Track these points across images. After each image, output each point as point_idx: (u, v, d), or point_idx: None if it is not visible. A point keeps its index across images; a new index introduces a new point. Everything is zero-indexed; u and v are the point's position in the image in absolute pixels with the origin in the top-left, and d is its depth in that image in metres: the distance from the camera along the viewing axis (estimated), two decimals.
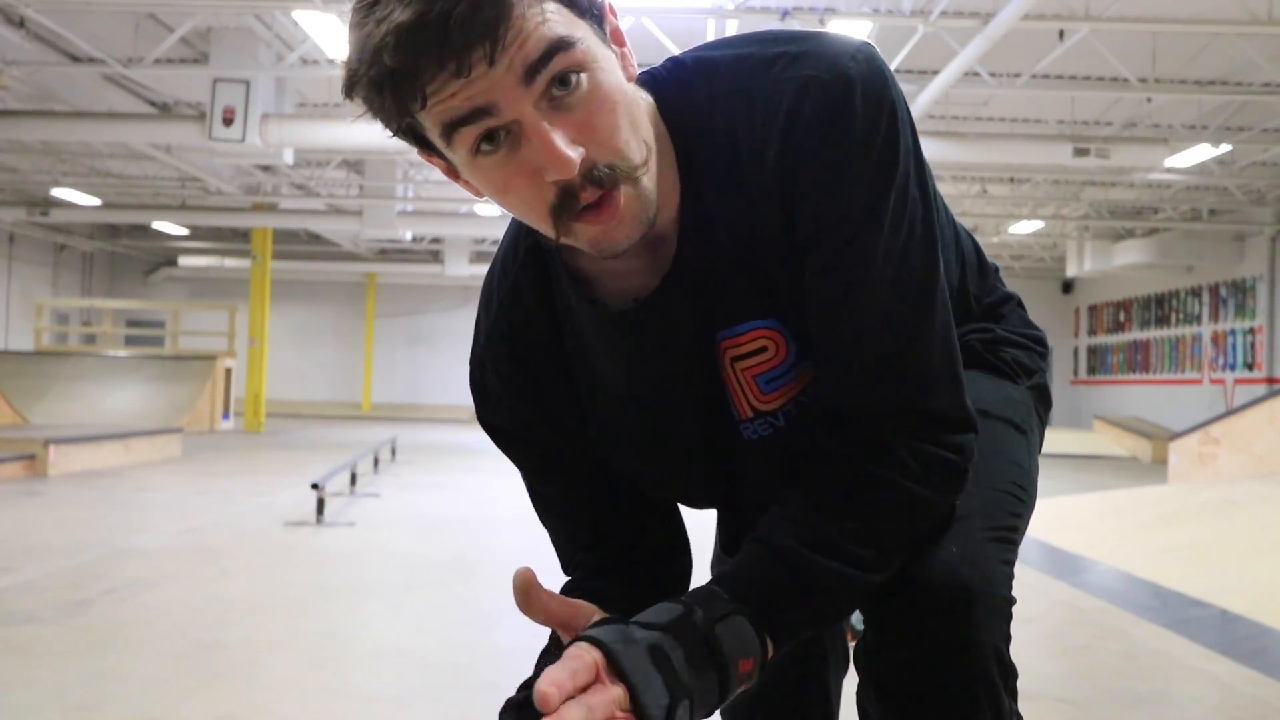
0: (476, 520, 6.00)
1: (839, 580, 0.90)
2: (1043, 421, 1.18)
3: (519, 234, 1.05)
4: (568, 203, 0.84)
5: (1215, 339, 16.61)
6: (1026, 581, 4.20)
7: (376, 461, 9.17)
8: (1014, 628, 0.95)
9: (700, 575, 1.12)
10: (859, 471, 0.92)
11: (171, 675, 2.63)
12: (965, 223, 13.53)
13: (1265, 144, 11.38)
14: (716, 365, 0.99)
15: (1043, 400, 1.18)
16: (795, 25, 7.54)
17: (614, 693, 0.79)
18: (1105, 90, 9.76)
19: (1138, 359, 19.17)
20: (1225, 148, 10.86)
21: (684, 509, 1.18)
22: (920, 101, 8.95)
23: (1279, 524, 4.83)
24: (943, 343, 0.93)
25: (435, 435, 15.29)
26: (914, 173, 0.91)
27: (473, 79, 0.79)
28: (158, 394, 14.13)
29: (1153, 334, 18.67)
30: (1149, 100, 10.06)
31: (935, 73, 8.73)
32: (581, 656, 0.80)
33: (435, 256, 21.51)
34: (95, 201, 15.46)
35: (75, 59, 9.77)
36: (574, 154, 0.82)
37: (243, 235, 19.85)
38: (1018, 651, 0.95)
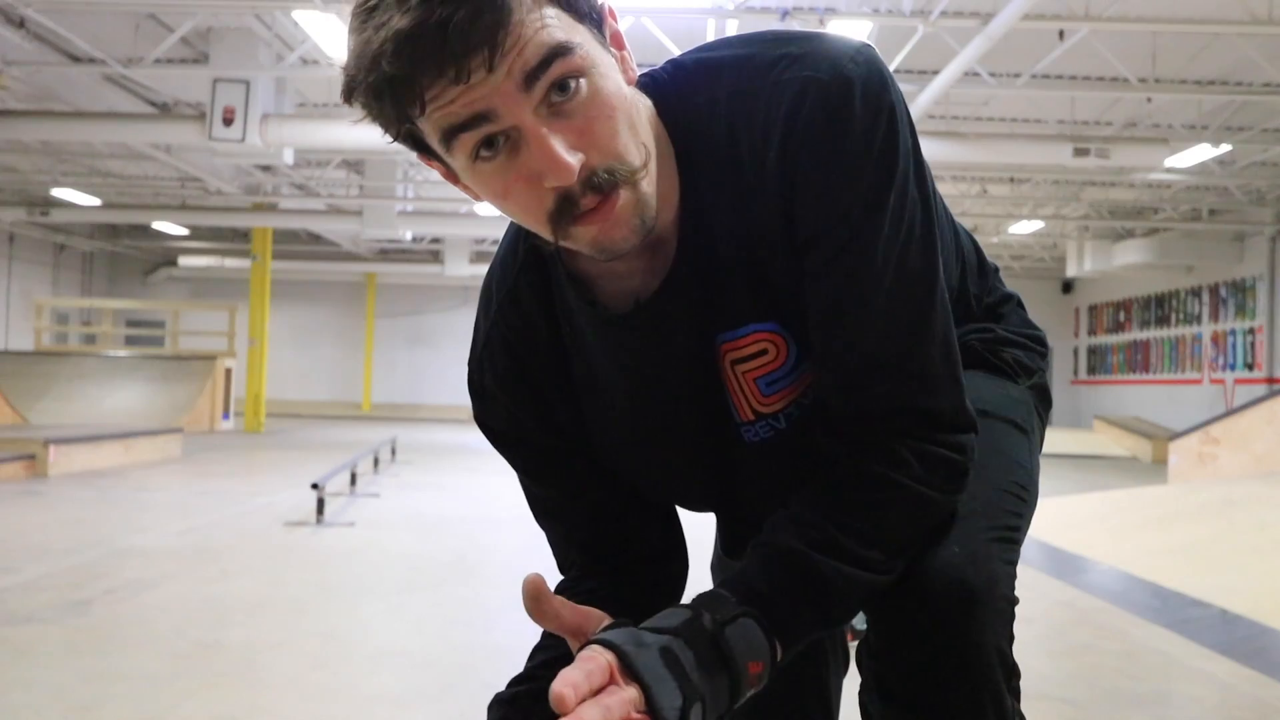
0: (476, 520, 5.99)
1: (845, 582, 0.90)
2: (1043, 421, 1.18)
3: (518, 235, 1.05)
4: (567, 208, 0.85)
5: (1215, 339, 16.61)
6: (1026, 581, 4.19)
7: (376, 461, 9.17)
8: (1014, 627, 0.95)
9: (700, 576, 1.12)
10: (861, 472, 0.92)
11: (171, 675, 2.63)
12: (965, 223, 13.53)
13: (1265, 144, 11.38)
14: (717, 368, 0.99)
15: (1043, 400, 1.18)
16: (795, 25, 7.54)
17: (629, 693, 0.79)
18: (1105, 90, 9.76)
19: (1138, 359, 19.17)
20: (1225, 148, 10.86)
21: (682, 512, 1.18)
22: (920, 101, 8.95)
23: (1279, 524, 4.83)
24: (943, 343, 0.93)
25: (435, 435, 15.29)
26: (913, 174, 0.91)
27: (472, 85, 0.79)
28: (158, 394, 14.14)
29: (1153, 334, 18.67)
30: (1149, 100, 10.06)
31: (935, 73, 8.73)
32: (595, 659, 0.80)
33: (435, 256, 21.51)
34: (95, 201, 15.45)
35: (75, 59, 9.77)
36: (573, 160, 0.82)
37: (243, 235, 19.86)
38: (1018, 651, 0.95)
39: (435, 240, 19.97)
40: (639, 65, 0.93)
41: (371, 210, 15.46)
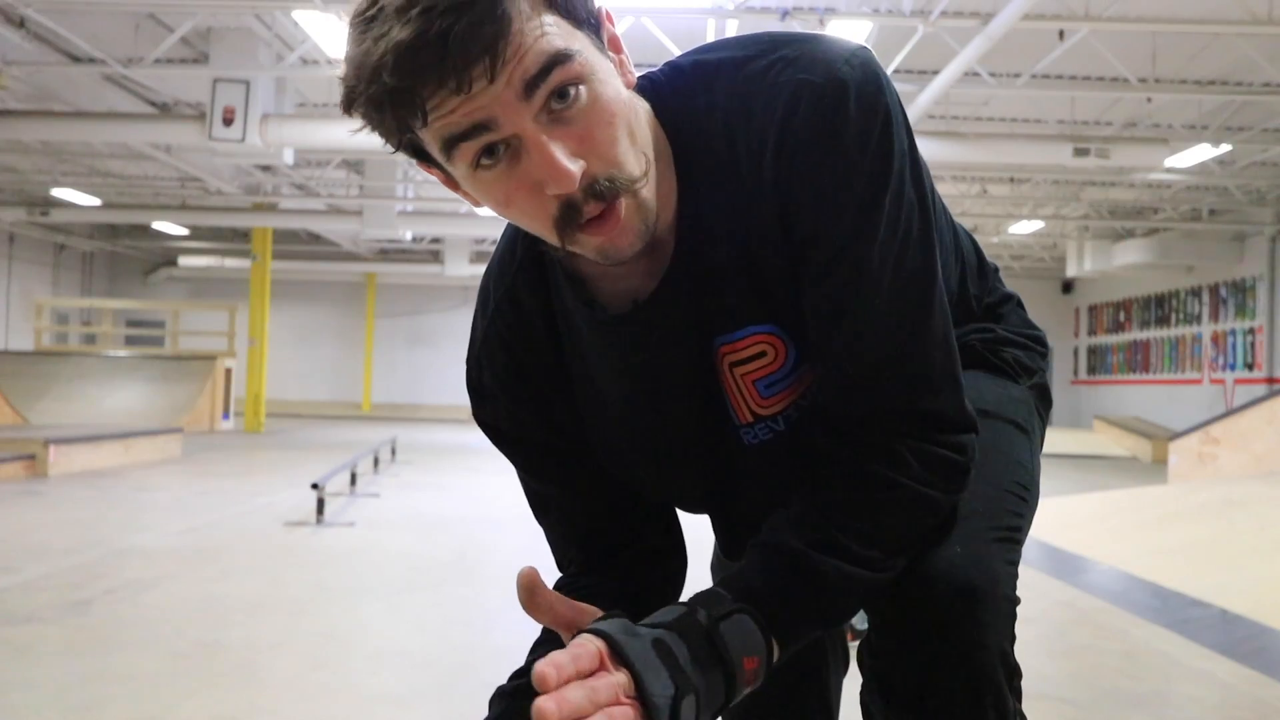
0: (476, 520, 5.99)
1: (843, 580, 0.90)
2: (1044, 421, 1.18)
3: (516, 235, 1.05)
4: (571, 215, 0.85)
5: (1215, 339, 16.61)
6: (1026, 581, 4.19)
7: (376, 461, 9.17)
8: (1015, 627, 0.95)
9: (699, 576, 1.12)
10: (861, 472, 0.92)
11: (171, 675, 2.63)
12: (965, 223, 13.47)
13: (1265, 144, 11.38)
14: (715, 370, 0.99)
15: (1043, 400, 1.18)
16: (795, 25, 7.54)
17: (618, 678, 0.79)
18: (1105, 90, 9.76)
19: (1138, 359, 19.17)
20: (1225, 148, 10.86)
21: (681, 512, 1.18)
22: (920, 101, 8.95)
23: (1279, 524, 4.83)
24: (941, 343, 0.93)
25: (435, 435, 15.30)
26: (910, 176, 0.91)
27: (473, 95, 0.79)
28: (158, 394, 14.14)
29: (1153, 334, 18.67)
30: (1149, 100, 10.06)
31: (935, 73, 8.73)
32: (585, 645, 0.80)
33: (435, 256, 21.51)
34: (95, 201, 15.46)
35: (75, 59, 9.77)
36: (575, 168, 0.82)
37: (243, 235, 19.86)
38: (1018, 651, 0.95)
39: (435, 240, 19.97)
40: (639, 65, 0.93)
41: (371, 210, 15.46)
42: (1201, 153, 10.82)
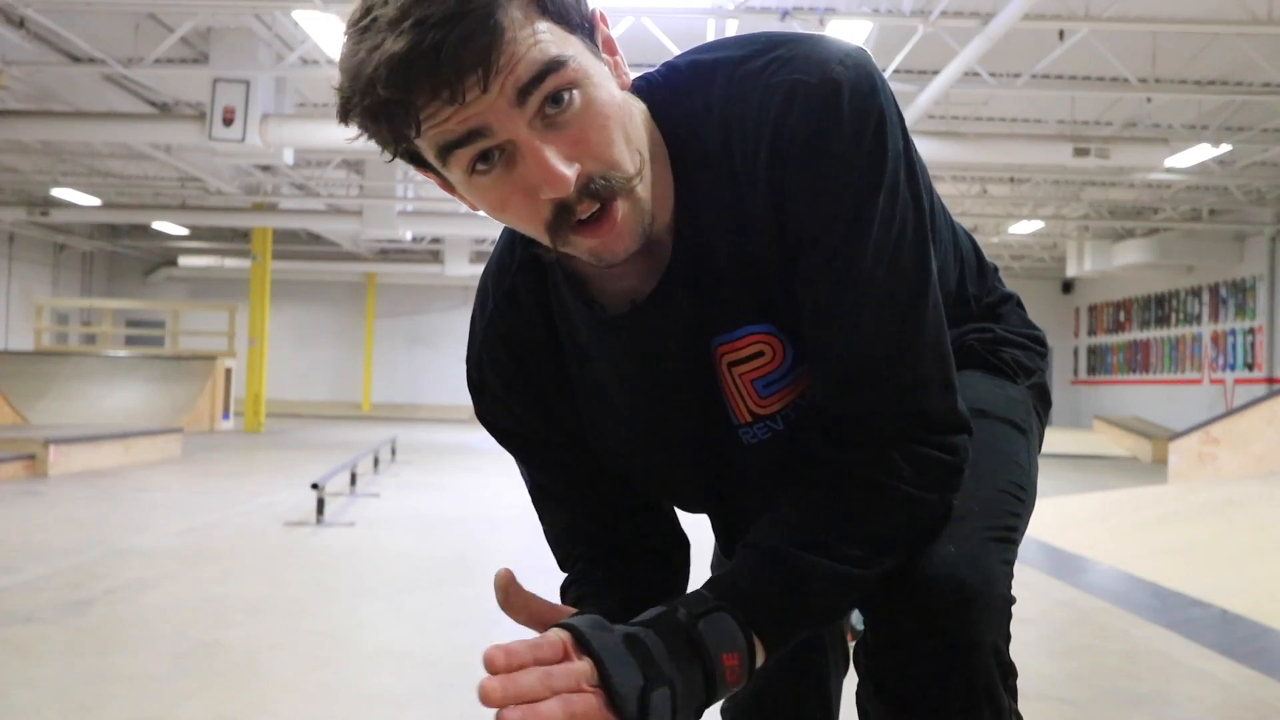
0: (476, 520, 5.99)
1: (827, 577, 0.90)
2: (1042, 421, 1.18)
3: (516, 235, 1.05)
4: (563, 216, 0.86)
5: (1215, 339, 16.61)
6: (1026, 581, 4.20)
7: (376, 461, 9.17)
8: (1014, 628, 0.95)
9: (700, 576, 1.12)
10: (849, 474, 0.93)
11: (171, 675, 2.63)
12: (965, 223, 13.41)
13: (1265, 144, 11.38)
14: (713, 370, 1.00)
15: (1042, 400, 1.18)
16: (795, 25, 7.54)
17: (579, 666, 0.80)
18: (1105, 90, 9.75)
19: (1138, 359, 19.17)
20: (1225, 148, 10.86)
21: (682, 513, 1.18)
22: (920, 101, 8.95)
23: (1279, 524, 4.83)
24: (934, 345, 0.93)
25: (435, 435, 15.30)
26: (904, 176, 0.91)
27: (466, 104, 0.80)
28: (158, 394, 14.14)
29: (1153, 334, 18.67)
30: (1149, 100, 10.05)
31: (935, 73, 8.73)
32: (548, 636, 0.81)
33: (435, 256, 21.51)
34: (95, 201, 15.46)
35: (75, 59, 9.77)
36: (569, 172, 0.83)
37: (243, 235, 19.85)
38: (1018, 651, 0.95)
39: (435, 240, 19.97)
40: (639, 65, 0.93)
41: (371, 210, 15.46)
42: (1201, 153, 10.82)
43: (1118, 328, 20.07)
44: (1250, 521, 5.04)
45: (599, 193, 0.85)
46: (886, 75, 9.39)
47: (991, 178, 13.95)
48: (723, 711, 1.42)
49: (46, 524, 5.31)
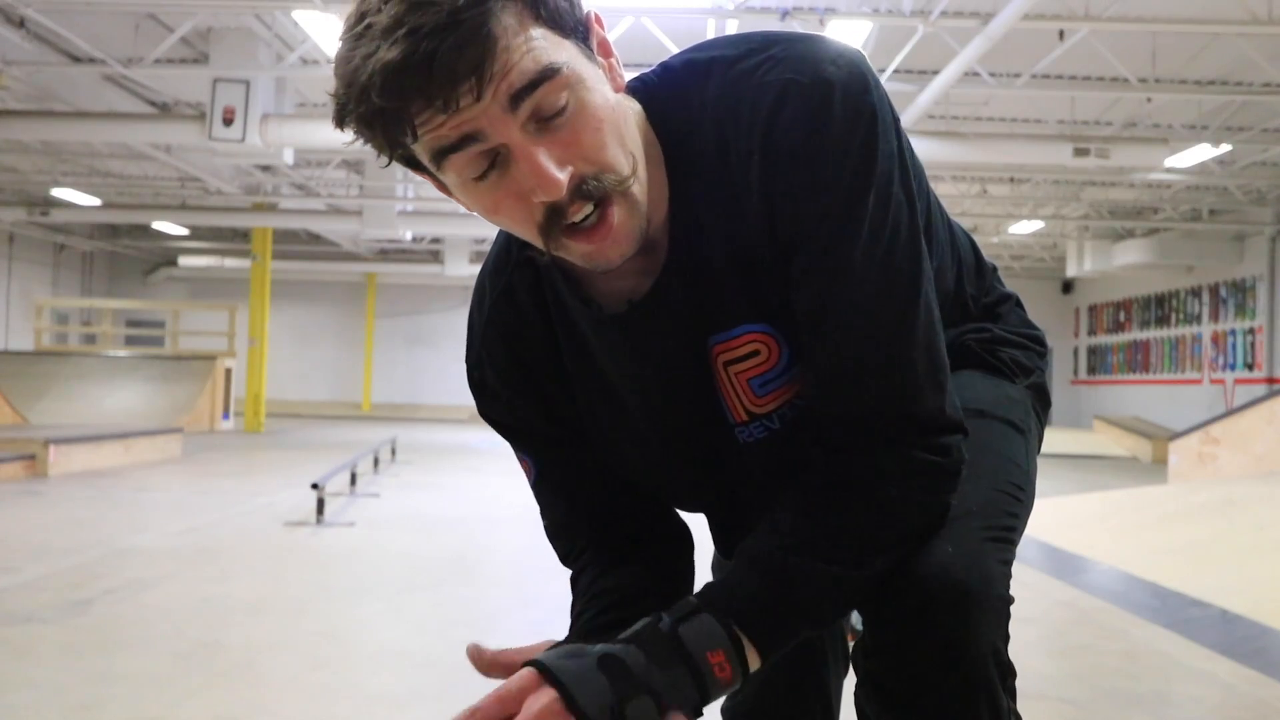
0: (476, 520, 6.00)
1: (817, 579, 0.91)
2: (1041, 421, 1.18)
3: (512, 234, 1.05)
4: (555, 219, 0.86)
5: (1215, 339, 16.61)
6: (1026, 581, 4.20)
7: (376, 461, 9.17)
8: (1014, 628, 0.95)
9: (701, 577, 1.12)
10: (841, 477, 0.93)
11: (171, 675, 2.63)
12: (965, 223, 13.37)
13: (1265, 144, 11.38)
14: (709, 369, 1.00)
15: (1041, 399, 1.18)
16: (795, 25, 7.54)
17: (543, 698, 0.83)
18: (1105, 90, 9.75)
19: (1138, 359, 19.17)
20: (1225, 148, 10.86)
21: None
22: (920, 101, 8.95)
23: (1279, 524, 4.83)
24: (926, 347, 0.93)
25: (435, 435, 15.30)
26: (898, 176, 0.91)
27: (459, 110, 0.80)
28: (158, 394, 14.13)
29: (1153, 334, 18.67)
30: (1149, 100, 10.05)
31: (935, 73, 8.73)
32: (515, 678, 0.86)
33: (435, 256, 21.51)
34: (95, 201, 15.46)
35: (75, 59, 9.77)
36: (562, 175, 0.83)
37: (243, 235, 19.86)
38: (1018, 651, 0.95)
39: (435, 240, 19.97)
40: (639, 65, 0.93)
41: (371, 210, 15.46)
42: (1201, 153, 10.82)
43: (1118, 328, 20.07)
44: (1250, 521, 5.03)
45: (591, 194, 0.85)
46: (886, 75, 9.37)
47: (991, 178, 13.95)
48: (723, 712, 1.42)
49: (46, 524, 5.31)
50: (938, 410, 0.94)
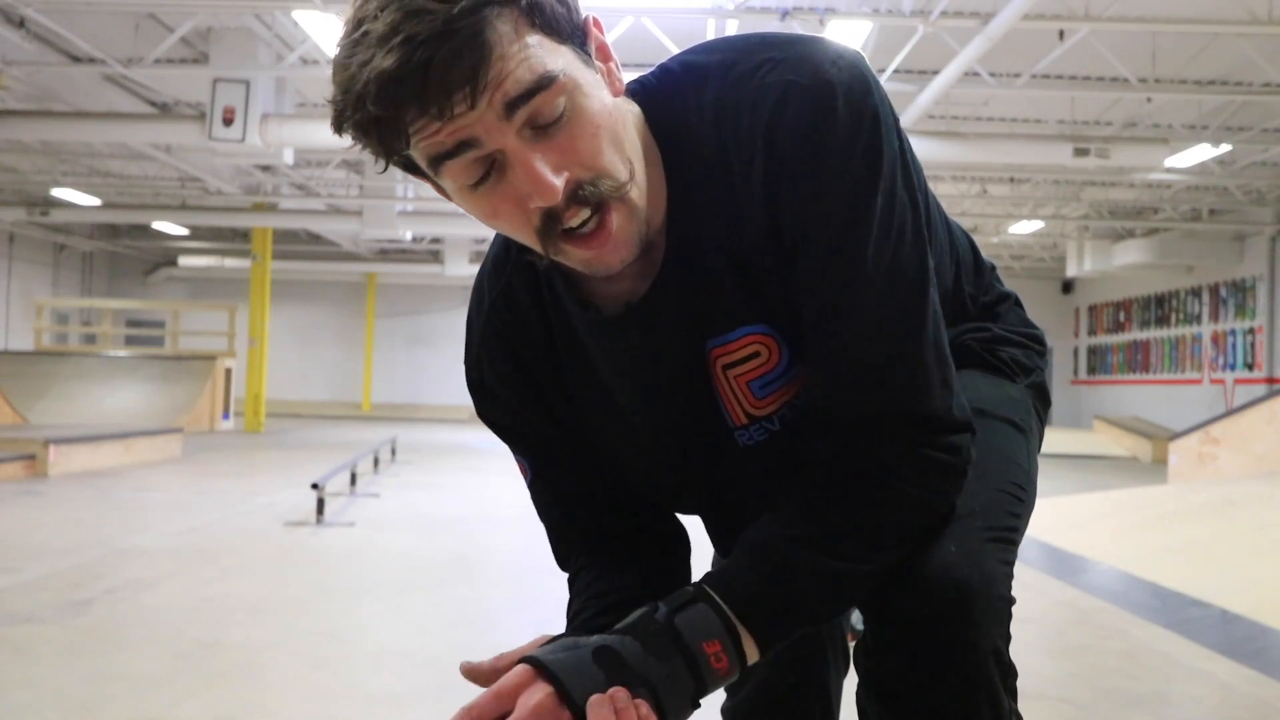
0: (476, 520, 5.99)
1: (818, 572, 0.91)
2: (1042, 420, 1.18)
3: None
4: (551, 225, 0.86)
5: (1215, 339, 16.61)
6: (1026, 581, 4.20)
7: (376, 461, 9.17)
8: (1014, 628, 0.95)
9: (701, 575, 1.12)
10: (849, 475, 0.93)
11: (171, 675, 2.63)
12: (965, 223, 13.34)
13: (1265, 144, 11.38)
14: (708, 373, 1.00)
15: (1041, 399, 1.18)
16: (795, 25, 7.54)
17: (537, 694, 0.84)
18: (1105, 90, 9.75)
19: (1138, 359, 19.17)
20: (1225, 148, 10.86)
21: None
22: (920, 101, 8.95)
23: (1279, 524, 4.83)
24: (934, 346, 0.93)
25: (435, 435, 15.30)
26: (901, 177, 0.91)
27: (455, 118, 0.81)
28: (158, 394, 14.13)
29: (1153, 334, 18.67)
30: (1149, 100, 10.05)
31: (935, 73, 8.73)
32: (510, 675, 0.87)
33: (435, 256, 21.51)
34: (95, 201, 15.46)
35: (75, 59, 9.77)
36: (558, 181, 0.83)
37: (243, 235, 19.86)
38: (1018, 651, 0.95)
39: (435, 240, 19.97)
40: (640, 66, 0.93)
41: (371, 210, 15.46)
42: (1201, 153, 10.82)
43: (1118, 328, 20.07)
44: (1250, 521, 5.04)
45: (587, 199, 0.86)
46: (887, 75, 9.35)
47: (991, 178, 13.95)
48: (723, 711, 1.42)
49: (46, 524, 5.31)
50: (946, 409, 0.94)
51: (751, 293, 0.95)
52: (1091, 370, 21.15)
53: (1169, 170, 11.60)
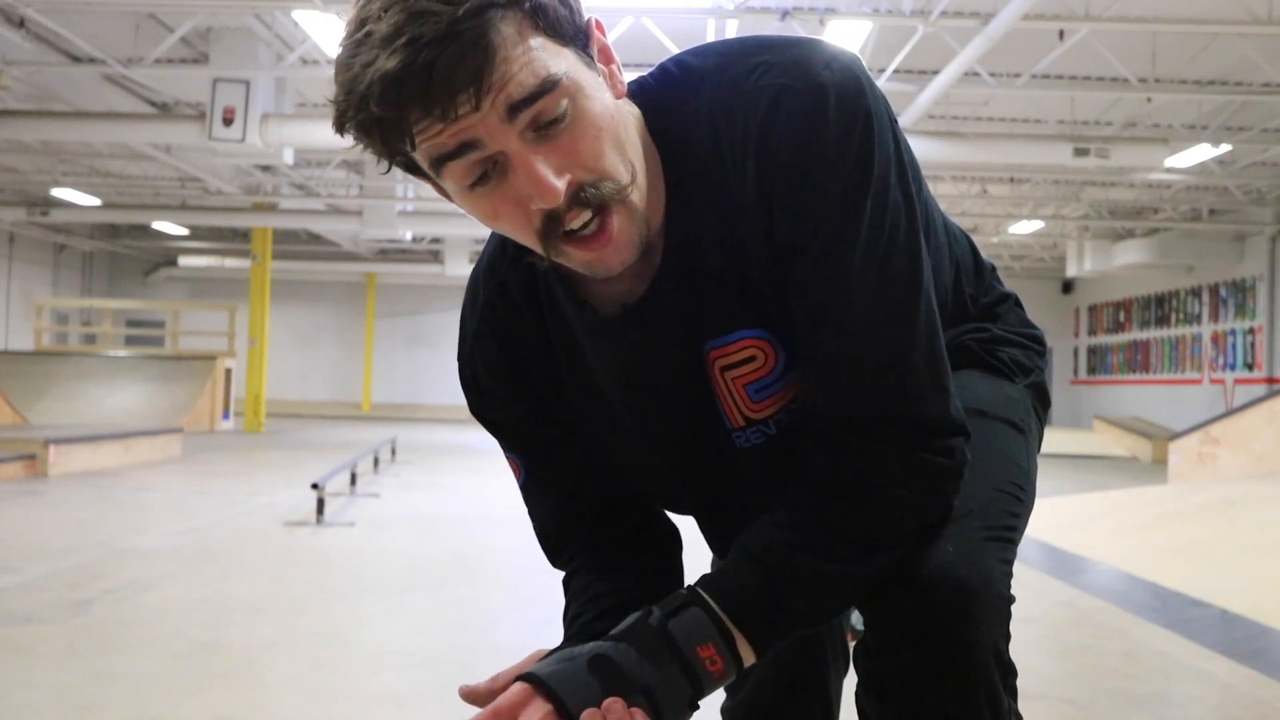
0: (475, 520, 5.99)
1: (814, 574, 0.91)
2: (1041, 420, 1.18)
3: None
4: (552, 227, 0.87)
5: (1215, 339, 16.61)
6: (1026, 581, 4.20)
7: (376, 461, 9.17)
8: (1014, 628, 0.95)
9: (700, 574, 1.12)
10: (844, 478, 0.93)
11: (171, 675, 2.63)
12: (965, 223, 13.36)
13: (1265, 144, 11.37)
14: (706, 374, 1.00)
15: (1041, 399, 1.18)
16: (795, 25, 7.53)
17: (537, 713, 0.85)
18: (1105, 90, 9.75)
19: (1138, 359, 19.17)
20: (1225, 148, 10.86)
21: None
22: (920, 101, 8.95)
23: (1279, 524, 4.83)
24: (927, 350, 0.93)
25: (435, 435, 15.29)
26: (895, 179, 0.91)
27: (458, 119, 0.81)
28: (158, 394, 14.13)
29: (1153, 334, 18.67)
30: (1149, 100, 10.05)
31: (935, 73, 8.73)
32: (508, 693, 0.88)
33: (435, 256, 21.51)
34: (95, 201, 15.46)
35: (75, 59, 9.77)
36: (560, 183, 0.84)
37: (243, 235, 19.86)
38: (1018, 651, 0.95)
39: (435, 240, 19.97)
40: (640, 66, 0.93)
41: (371, 210, 15.46)
42: (1201, 153, 10.82)
43: (1118, 328, 20.07)
44: (1250, 521, 5.03)
45: (589, 201, 0.86)
46: (887, 75, 9.35)
47: (991, 178, 13.95)
48: (722, 711, 1.42)
49: (46, 524, 5.31)
50: (940, 412, 0.93)
51: (748, 296, 0.95)
52: (1091, 370, 21.15)
53: (1169, 170, 11.60)
